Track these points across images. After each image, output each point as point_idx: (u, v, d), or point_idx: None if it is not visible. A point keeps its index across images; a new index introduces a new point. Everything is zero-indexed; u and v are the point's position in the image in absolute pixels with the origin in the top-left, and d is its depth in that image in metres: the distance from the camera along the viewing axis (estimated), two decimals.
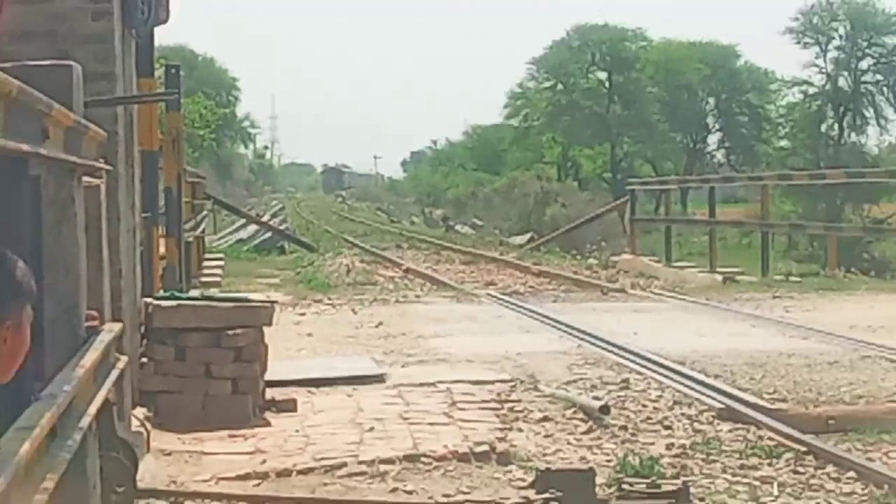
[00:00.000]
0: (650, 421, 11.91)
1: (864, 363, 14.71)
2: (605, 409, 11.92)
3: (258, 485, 9.28)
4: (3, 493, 2.56)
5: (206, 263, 25.92)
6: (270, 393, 12.11)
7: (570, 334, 17.28)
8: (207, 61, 48.83)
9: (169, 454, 10.09)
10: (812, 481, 9.58)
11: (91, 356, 4.95)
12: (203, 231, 26.93)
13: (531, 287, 26.16)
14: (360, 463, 9.86)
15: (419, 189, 65.47)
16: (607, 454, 10.22)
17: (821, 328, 17.37)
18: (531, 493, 8.47)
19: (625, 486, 8.81)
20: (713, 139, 58.42)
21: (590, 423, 11.69)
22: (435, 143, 69.89)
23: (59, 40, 7.90)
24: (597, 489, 8.58)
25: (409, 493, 9.16)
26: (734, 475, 9.75)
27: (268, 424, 11.47)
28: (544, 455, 10.09)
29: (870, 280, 25.38)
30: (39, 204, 5.06)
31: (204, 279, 22.70)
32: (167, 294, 13.40)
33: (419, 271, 31.24)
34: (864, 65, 52.68)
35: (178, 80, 19.59)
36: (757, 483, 9.47)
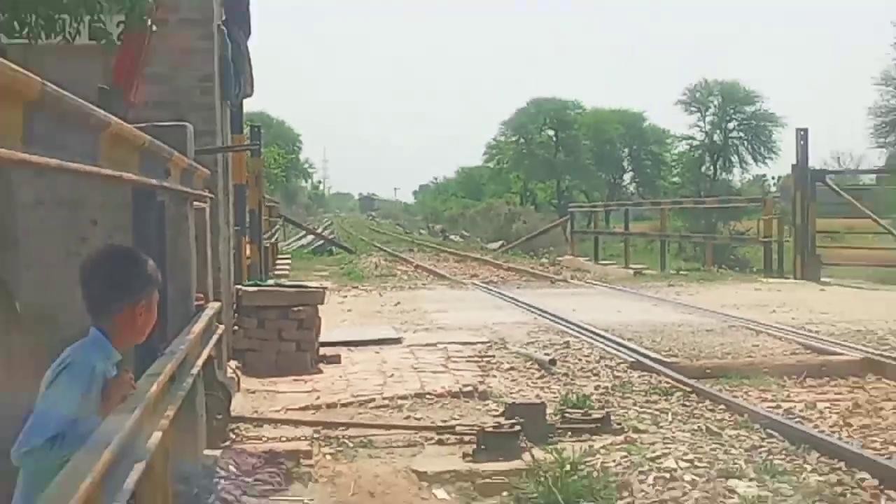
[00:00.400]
0: (583, 370, 11.51)
1: (731, 331, 14.24)
2: (552, 362, 11.58)
3: (314, 413, 9.13)
4: (138, 420, 2.88)
5: (278, 262, 25.23)
6: (323, 350, 11.78)
7: (529, 311, 16.98)
8: (279, 122, 47.98)
9: (253, 392, 9.89)
10: (695, 411, 9.40)
11: (199, 325, 5.10)
12: (276, 239, 26.68)
13: (502, 278, 25.71)
14: (384, 398, 9.72)
15: (425, 210, 64.01)
16: (554, 393, 9.88)
17: (700, 306, 17.04)
18: (502, 420, 8.11)
19: (566, 415, 8.56)
20: (627, 176, 59.26)
21: (542, 371, 11.31)
22: (436, 178, 68.53)
23: (178, 109, 7.45)
24: (547, 417, 8.33)
25: (418, 419, 8.94)
26: (641, 407, 9.53)
27: (320, 372, 11.15)
28: (510, 393, 9.84)
29: (734, 274, 24.63)
30: (164, 221, 5.06)
31: (277, 272, 21.76)
32: (251, 283, 13.14)
33: (425, 267, 30.30)
34: (731, 125, 53.56)
35: (259, 135, 19.03)
36: (657, 412, 9.30)
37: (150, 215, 4.77)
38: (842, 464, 7.35)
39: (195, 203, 5.83)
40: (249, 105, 17.91)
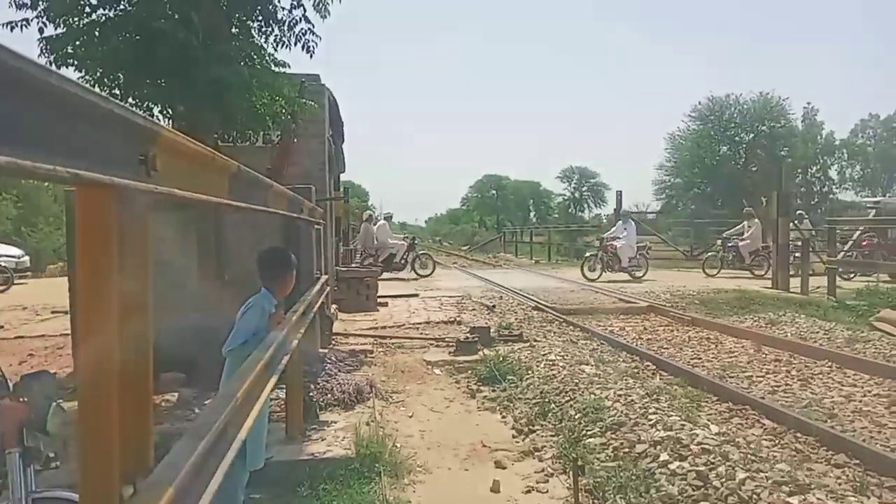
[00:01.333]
0: (509, 310, 11.02)
1: (584, 291, 13.68)
2: (494, 307, 11.23)
3: (374, 330, 8.90)
4: (286, 334, 2.86)
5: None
6: (380, 300, 11.33)
7: (483, 280, 16.16)
8: (357, 185, 48.15)
9: (344, 321, 9.57)
10: (565, 331, 9.10)
11: (316, 286, 4.93)
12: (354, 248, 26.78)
13: (469, 264, 24.35)
14: (409, 324, 9.53)
15: (432, 230, 63.81)
16: (495, 321, 9.30)
17: (568, 279, 15.79)
18: (469, 335, 7.74)
19: (500, 333, 8.25)
20: (532, 215, 59.03)
21: (489, 311, 10.84)
22: (436, 213, 68.80)
23: (308, 179, 6.83)
24: (491, 334, 8.00)
25: (426, 334, 8.64)
26: (538, 329, 9.17)
27: (378, 311, 10.80)
28: (473, 321, 9.23)
29: None
30: (300, 234, 4.88)
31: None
32: (343, 268, 12.25)
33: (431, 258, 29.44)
34: (584, 189, 54.26)
35: (347, 193, 19.31)
36: (546, 331, 8.99)
37: (294, 232, 4.79)
38: (638, 357, 7.40)
39: (316, 226, 5.68)
40: (343, 177, 17.89)
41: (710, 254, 17.87)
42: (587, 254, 17.45)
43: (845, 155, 43.80)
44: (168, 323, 5.19)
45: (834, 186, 42.85)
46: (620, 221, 18.02)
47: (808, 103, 42.33)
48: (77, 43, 5.23)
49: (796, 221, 15.85)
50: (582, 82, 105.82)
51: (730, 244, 16.98)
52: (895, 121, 45.38)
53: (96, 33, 5.28)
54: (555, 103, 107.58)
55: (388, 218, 19.74)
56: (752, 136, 38.92)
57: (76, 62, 5.22)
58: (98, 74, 5.27)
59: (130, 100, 5.36)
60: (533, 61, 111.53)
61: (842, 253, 14.34)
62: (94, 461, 1.18)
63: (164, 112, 5.56)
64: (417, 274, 17.42)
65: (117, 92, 5.36)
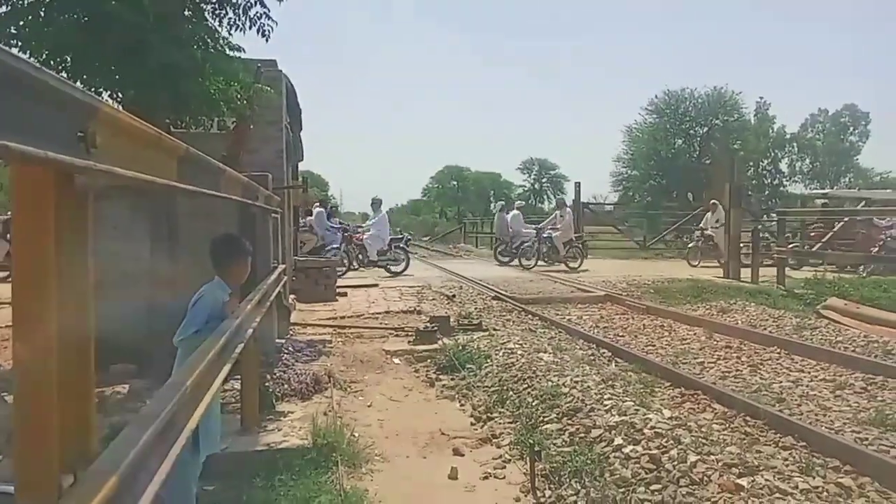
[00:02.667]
0: (469, 300, 11.03)
1: (543, 281, 13.70)
2: (454, 296, 11.19)
3: (333, 320, 8.77)
4: (240, 322, 2.84)
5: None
6: (338, 290, 11.17)
7: (442, 270, 16.25)
8: (316, 174, 47.17)
9: (302, 310, 9.46)
10: (524, 320, 9.18)
11: (273, 276, 4.94)
12: None
13: (430, 255, 24.50)
14: (369, 313, 9.42)
15: (392, 221, 62.78)
16: (455, 311, 9.31)
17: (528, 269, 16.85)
18: (428, 324, 7.67)
19: (460, 322, 8.22)
20: (491, 205, 59.01)
21: (449, 300, 10.82)
22: (396, 204, 68.19)
23: (264, 167, 6.76)
24: (451, 323, 7.96)
25: (386, 324, 8.60)
26: (497, 318, 9.20)
27: (337, 301, 10.66)
28: (433, 311, 9.19)
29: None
30: (256, 223, 4.83)
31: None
32: (301, 257, 12.12)
33: None
34: (544, 181, 54.17)
35: (306, 182, 18.98)
36: (505, 320, 9.03)
37: (248, 220, 4.71)
38: (594, 345, 7.47)
39: (273, 214, 5.68)
40: (301, 166, 17.54)
41: (691, 245, 17.82)
42: (524, 244, 17.25)
43: (795, 148, 45.04)
44: (118, 312, 5.08)
45: (784, 179, 44.07)
46: (557, 211, 18.04)
47: (761, 97, 43.37)
48: (21, 23, 5.03)
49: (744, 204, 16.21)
50: (541, 75, 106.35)
51: (700, 233, 17.26)
52: (843, 116, 46.84)
53: (42, 13, 5.09)
54: (515, 95, 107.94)
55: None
56: (706, 129, 39.67)
57: (20, 43, 5.02)
58: (44, 56, 5.07)
59: (79, 83, 5.14)
60: (493, 53, 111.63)
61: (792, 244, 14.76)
62: (31, 450, 1.14)
63: (114, 97, 5.39)
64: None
65: (65, 75, 5.13)
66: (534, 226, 18.46)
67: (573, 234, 17.37)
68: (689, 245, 17.76)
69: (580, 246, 17.35)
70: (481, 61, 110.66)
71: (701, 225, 17.74)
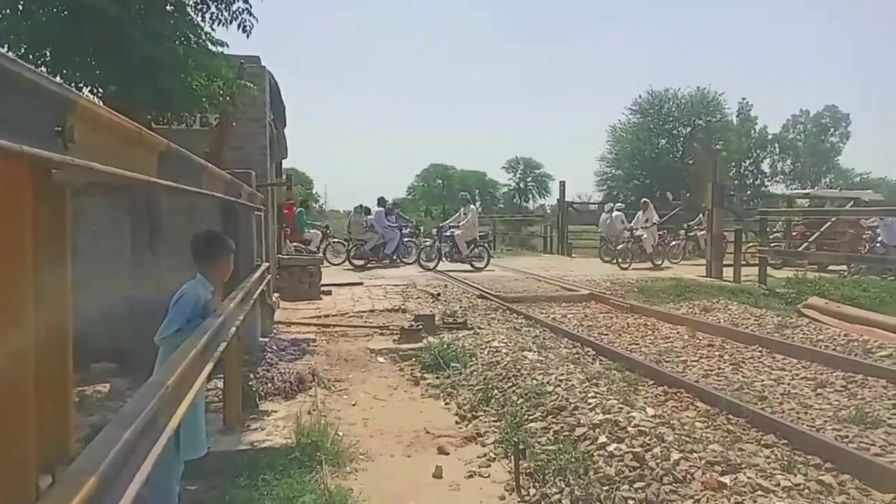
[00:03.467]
0: (454, 298, 10.95)
1: (526, 280, 13.74)
2: (439, 295, 11.13)
3: (317, 319, 8.75)
4: (222, 320, 2.83)
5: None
6: (322, 288, 11.12)
7: (428, 269, 15.58)
8: (301, 172, 46.43)
9: (286, 309, 9.41)
10: (508, 318, 9.17)
11: (257, 274, 4.94)
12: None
13: None
14: (353, 312, 9.36)
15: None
16: (439, 309, 9.25)
17: (512, 268, 16.14)
18: (413, 323, 7.69)
19: (445, 320, 8.22)
20: (477, 205, 59.10)
21: (434, 299, 10.73)
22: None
23: (248, 164, 6.73)
24: (435, 321, 7.96)
25: (371, 322, 8.55)
26: (482, 316, 9.16)
27: (321, 299, 10.63)
28: (418, 309, 9.17)
29: (530, 252, 24.46)
30: (239, 220, 4.84)
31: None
32: (285, 255, 11.93)
33: None
34: (528, 179, 53.64)
35: (291, 179, 18.89)
36: (490, 319, 9.01)
37: (231, 217, 4.68)
38: (578, 343, 7.48)
39: (256, 212, 5.65)
40: (286, 163, 17.48)
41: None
42: (426, 242, 17.00)
43: (777, 149, 45.57)
44: (98, 312, 5.03)
45: (766, 179, 44.55)
46: (462, 209, 17.72)
47: (743, 98, 43.92)
48: None
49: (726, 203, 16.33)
50: (526, 74, 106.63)
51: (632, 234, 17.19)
52: (824, 117, 47.45)
53: (20, 6, 5.01)
54: (500, 94, 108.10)
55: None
56: (689, 129, 40.03)
57: None
58: (22, 50, 4.99)
59: (58, 78, 5.07)
60: (479, 53, 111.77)
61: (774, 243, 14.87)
62: (8, 451, 1.11)
63: (95, 92, 5.32)
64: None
65: (44, 70, 5.07)
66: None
67: (477, 233, 17.04)
68: (619, 246, 17.27)
69: (485, 245, 17.11)
70: (466, 60, 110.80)
71: (632, 224, 17.53)
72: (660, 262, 16.74)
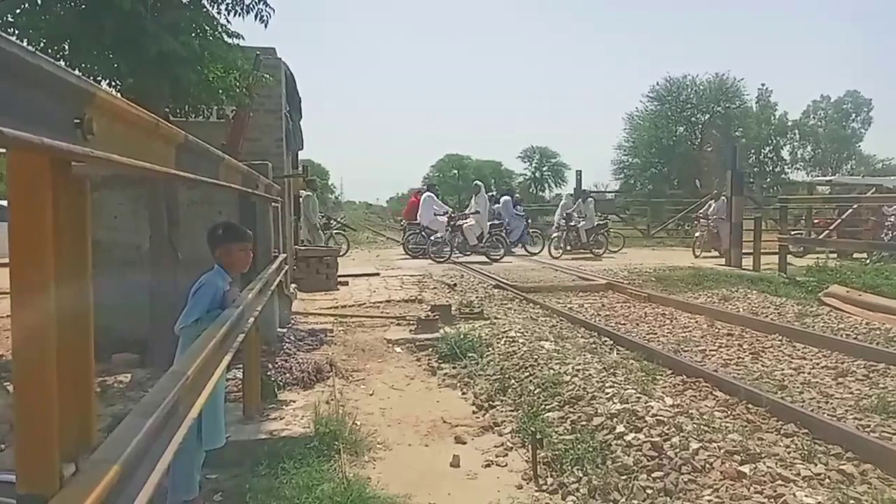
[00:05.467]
0: (470, 289, 10.92)
1: (542, 270, 13.73)
2: (455, 285, 11.11)
3: (334, 310, 8.76)
4: (243, 311, 2.84)
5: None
6: (340, 279, 11.14)
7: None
8: (318, 164, 46.32)
9: (303, 300, 9.43)
10: (525, 308, 9.15)
11: (274, 265, 4.93)
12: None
13: None
14: (370, 302, 9.41)
15: (393, 210, 61.64)
16: (456, 299, 9.26)
17: (529, 257, 16.49)
18: (430, 313, 7.62)
19: (461, 310, 8.19)
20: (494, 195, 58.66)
21: (450, 289, 10.74)
22: (397, 193, 66.84)
23: (264, 155, 6.57)
24: (452, 311, 7.95)
25: (387, 312, 8.59)
26: (498, 306, 9.14)
27: (338, 290, 10.66)
28: (434, 300, 9.13)
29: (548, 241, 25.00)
30: (256, 212, 4.75)
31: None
32: (302, 246, 12.10)
33: (394, 238, 28.39)
34: (545, 169, 52.72)
35: (306, 171, 18.95)
36: (506, 309, 8.96)
37: (249, 208, 4.67)
38: (595, 333, 7.47)
39: (273, 203, 5.60)
40: (302, 154, 17.52)
41: (697, 234, 17.41)
42: (436, 235, 16.34)
43: (797, 135, 44.91)
44: (119, 303, 5.11)
45: (786, 167, 43.95)
46: (473, 197, 17.42)
47: (763, 84, 43.27)
48: (18, 11, 4.99)
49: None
50: (542, 62, 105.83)
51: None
52: (845, 102, 46.66)
53: (39, 1, 5.05)
54: (516, 83, 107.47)
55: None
56: (707, 116, 39.51)
57: (18, 31, 4.98)
58: (42, 45, 5.04)
59: (77, 72, 5.10)
60: (494, 41, 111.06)
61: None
62: (31, 440, 1.13)
63: (113, 84, 5.36)
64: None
65: (63, 63, 5.12)
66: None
67: (488, 222, 16.56)
68: (696, 234, 17.18)
69: (501, 235, 16.65)
70: (482, 49, 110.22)
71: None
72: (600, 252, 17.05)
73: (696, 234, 17.36)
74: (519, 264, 15.05)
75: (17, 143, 0.87)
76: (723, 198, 16.31)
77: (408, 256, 16.78)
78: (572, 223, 17.30)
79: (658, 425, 3.94)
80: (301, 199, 16.16)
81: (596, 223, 17.88)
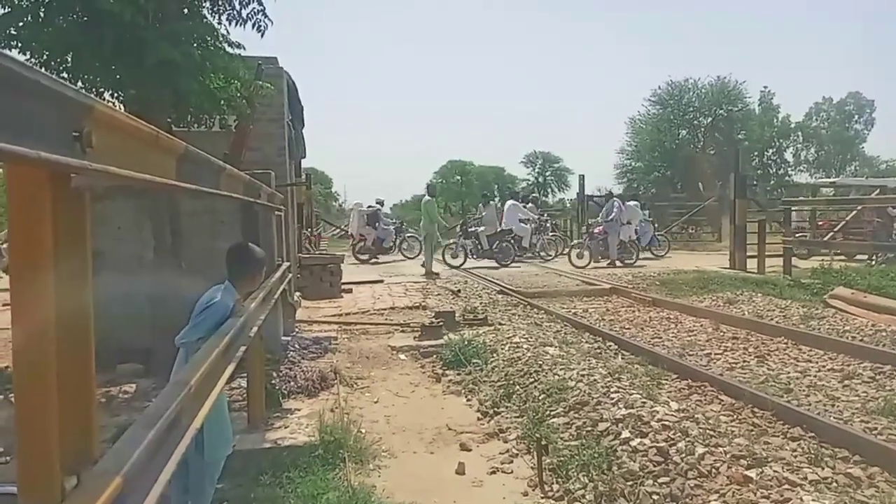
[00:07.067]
0: (474, 294, 10.91)
1: (546, 274, 13.69)
2: (459, 291, 11.04)
3: (338, 317, 8.79)
4: (254, 312, 3.00)
5: (321, 242, 24.24)
6: (343, 286, 11.16)
7: (447, 266, 15.68)
8: (321, 171, 46.28)
9: (307, 308, 9.29)
10: (529, 314, 9.12)
11: (279, 273, 4.99)
12: (319, 230, 26.42)
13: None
14: (374, 310, 9.38)
15: (396, 217, 61.73)
16: (460, 306, 9.32)
17: (533, 263, 16.29)
18: (434, 320, 7.70)
19: (465, 317, 8.13)
20: (497, 201, 58.68)
21: (454, 295, 10.69)
22: (401, 200, 66.52)
23: (267, 164, 6.77)
24: (456, 318, 7.92)
25: (391, 320, 8.57)
26: (503, 312, 9.11)
27: (342, 297, 10.67)
28: (438, 306, 9.24)
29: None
30: (259, 220, 4.81)
31: (319, 248, 21.44)
32: (306, 254, 12.35)
33: None
34: (547, 174, 52.79)
35: (310, 179, 19.06)
36: (510, 314, 8.94)
37: (252, 217, 4.69)
38: (600, 338, 7.46)
39: (276, 212, 5.64)
40: (305, 163, 17.55)
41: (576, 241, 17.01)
42: (450, 241, 16.66)
43: (800, 137, 44.85)
44: (124, 314, 5.12)
45: (790, 168, 43.88)
46: (481, 206, 17.56)
47: (765, 87, 43.21)
48: (21, 24, 5.02)
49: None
50: (543, 67, 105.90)
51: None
52: (848, 104, 46.58)
53: (41, 14, 5.08)
54: (518, 88, 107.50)
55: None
56: (710, 119, 39.54)
57: (21, 44, 5.01)
58: (45, 57, 5.07)
59: (80, 84, 5.11)
60: (495, 47, 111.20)
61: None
62: (33, 452, 1.13)
63: (115, 96, 5.39)
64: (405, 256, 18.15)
65: (65, 76, 5.13)
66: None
67: (498, 227, 16.60)
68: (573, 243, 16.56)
69: (511, 241, 16.45)
70: (483, 56, 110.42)
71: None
72: (632, 261, 15.62)
73: (575, 242, 16.50)
74: (523, 270, 15.02)
75: (14, 157, 0.87)
76: (615, 201, 15.88)
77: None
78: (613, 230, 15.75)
79: (664, 430, 3.93)
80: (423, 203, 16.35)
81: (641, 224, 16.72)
